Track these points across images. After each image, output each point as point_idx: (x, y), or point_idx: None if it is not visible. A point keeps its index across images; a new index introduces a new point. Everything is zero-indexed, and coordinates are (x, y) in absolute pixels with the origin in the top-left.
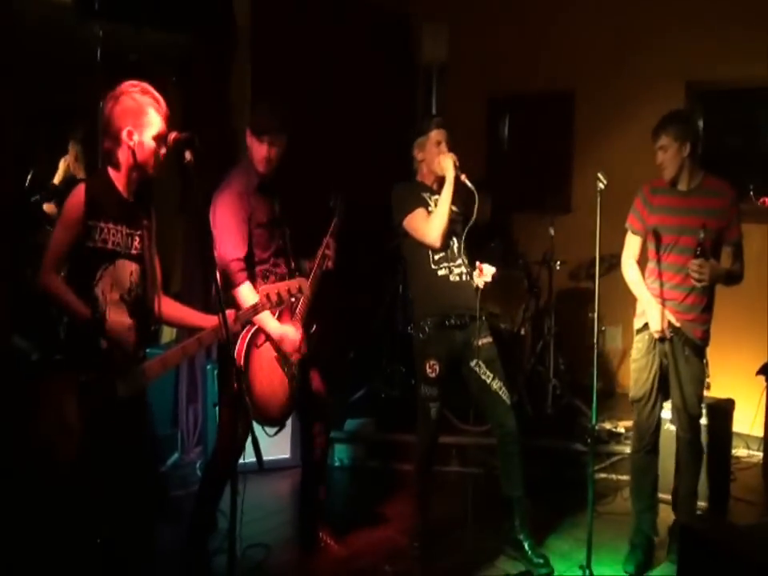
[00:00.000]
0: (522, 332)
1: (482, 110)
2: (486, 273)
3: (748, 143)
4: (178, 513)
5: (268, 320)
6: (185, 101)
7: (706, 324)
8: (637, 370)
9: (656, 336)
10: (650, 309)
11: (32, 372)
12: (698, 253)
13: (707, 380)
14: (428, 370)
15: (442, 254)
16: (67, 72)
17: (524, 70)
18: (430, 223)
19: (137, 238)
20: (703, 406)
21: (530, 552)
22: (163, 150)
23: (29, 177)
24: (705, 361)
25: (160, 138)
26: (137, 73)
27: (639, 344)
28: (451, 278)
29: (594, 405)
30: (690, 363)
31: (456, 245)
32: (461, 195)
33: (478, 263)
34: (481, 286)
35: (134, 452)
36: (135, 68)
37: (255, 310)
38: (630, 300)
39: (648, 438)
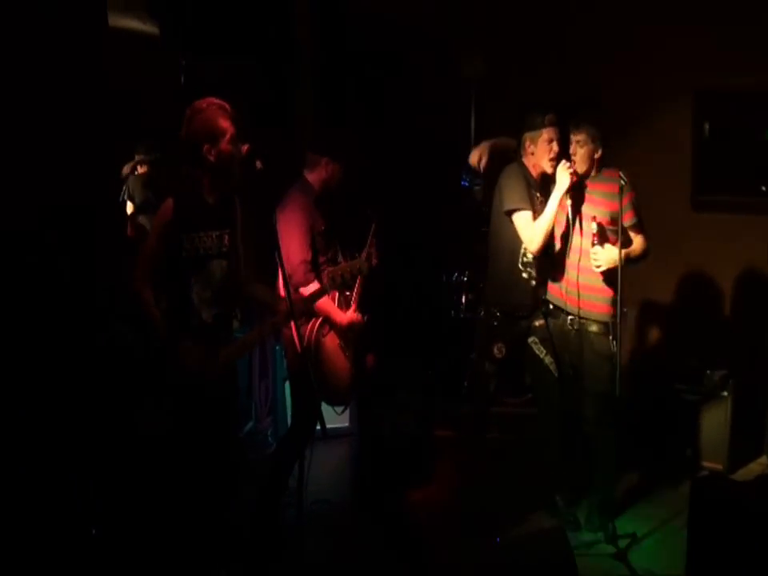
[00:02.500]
0: None
1: (516, 116)
2: None
3: (756, 149)
4: (253, 474)
5: (336, 312)
6: (252, 122)
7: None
8: None
9: None
10: None
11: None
12: (595, 241)
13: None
14: (495, 352)
15: (530, 260)
16: (153, 97)
17: (550, 81)
18: (534, 233)
19: (226, 237)
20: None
21: (562, 511)
22: (241, 146)
23: (123, 192)
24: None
25: (234, 140)
26: (212, 95)
27: None
28: (532, 282)
29: (618, 375)
30: None
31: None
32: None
33: None
34: None
35: (222, 423)
36: (211, 92)
37: (324, 290)
38: (648, 284)
39: None
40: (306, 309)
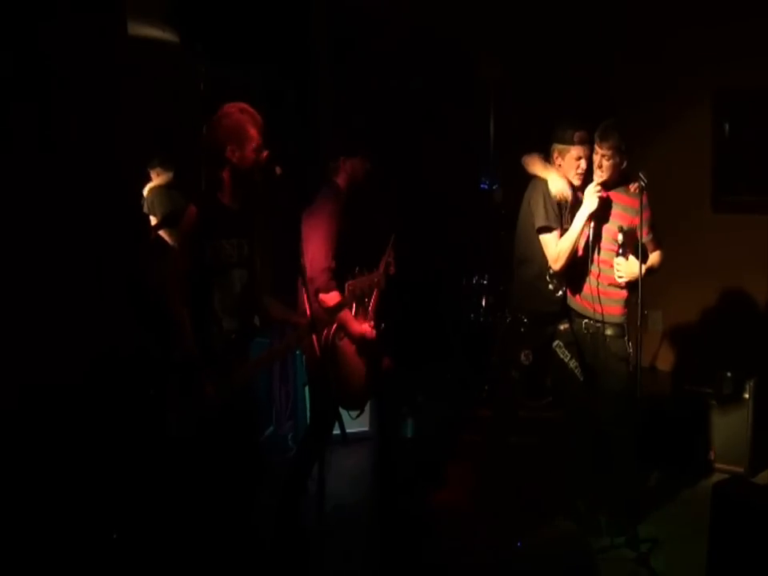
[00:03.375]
0: None
1: (535, 119)
2: None
3: None
4: (273, 477)
5: (351, 322)
6: (272, 128)
7: None
8: None
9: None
10: None
11: (157, 371)
12: (619, 252)
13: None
14: (522, 358)
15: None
16: (173, 103)
17: (569, 82)
18: (559, 252)
19: (245, 246)
20: None
21: (583, 516)
22: (264, 155)
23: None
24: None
25: (258, 148)
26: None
27: None
28: (558, 293)
29: (639, 377)
30: None
31: None
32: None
33: None
34: None
35: (243, 432)
36: (232, 98)
37: (344, 303)
38: (669, 285)
39: None
40: (329, 321)
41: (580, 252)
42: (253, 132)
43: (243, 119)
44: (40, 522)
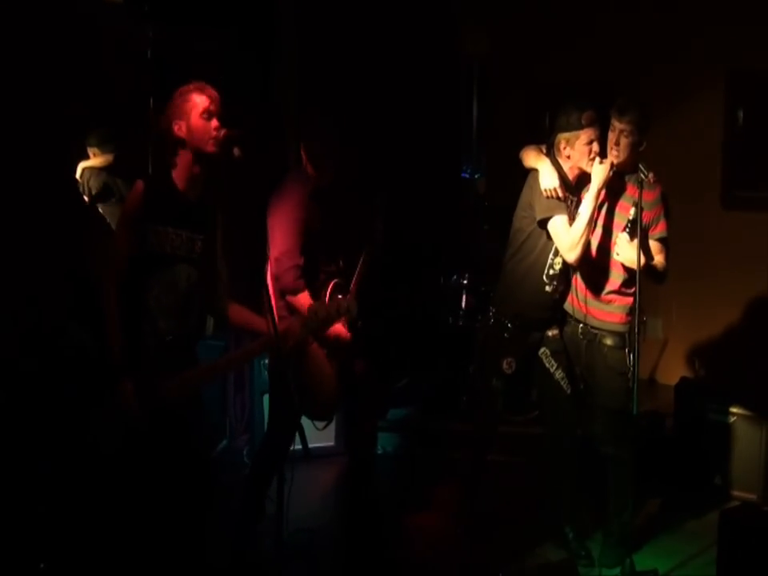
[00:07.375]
0: None
1: (524, 100)
2: None
3: None
4: (226, 497)
5: None
6: (229, 100)
7: None
8: None
9: None
10: None
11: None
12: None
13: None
14: (505, 366)
15: (557, 272)
16: (117, 71)
17: (565, 61)
18: (572, 239)
19: (198, 242)
20: None
21: (573, 543)
22: (215, 124)
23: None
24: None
25: (207, 113)
26: (185, 71)
27: None
28: (554, 296)
29: (635, 391)
30: None
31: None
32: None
33: None
34: None
35: (186, 443)
36: (183, 67)
37: (305, 326)
38: (671, 290)
39: None
40: (302, 335)
41: (594, 254)
42: (197, 99)
43: (187, 92)
44: None
